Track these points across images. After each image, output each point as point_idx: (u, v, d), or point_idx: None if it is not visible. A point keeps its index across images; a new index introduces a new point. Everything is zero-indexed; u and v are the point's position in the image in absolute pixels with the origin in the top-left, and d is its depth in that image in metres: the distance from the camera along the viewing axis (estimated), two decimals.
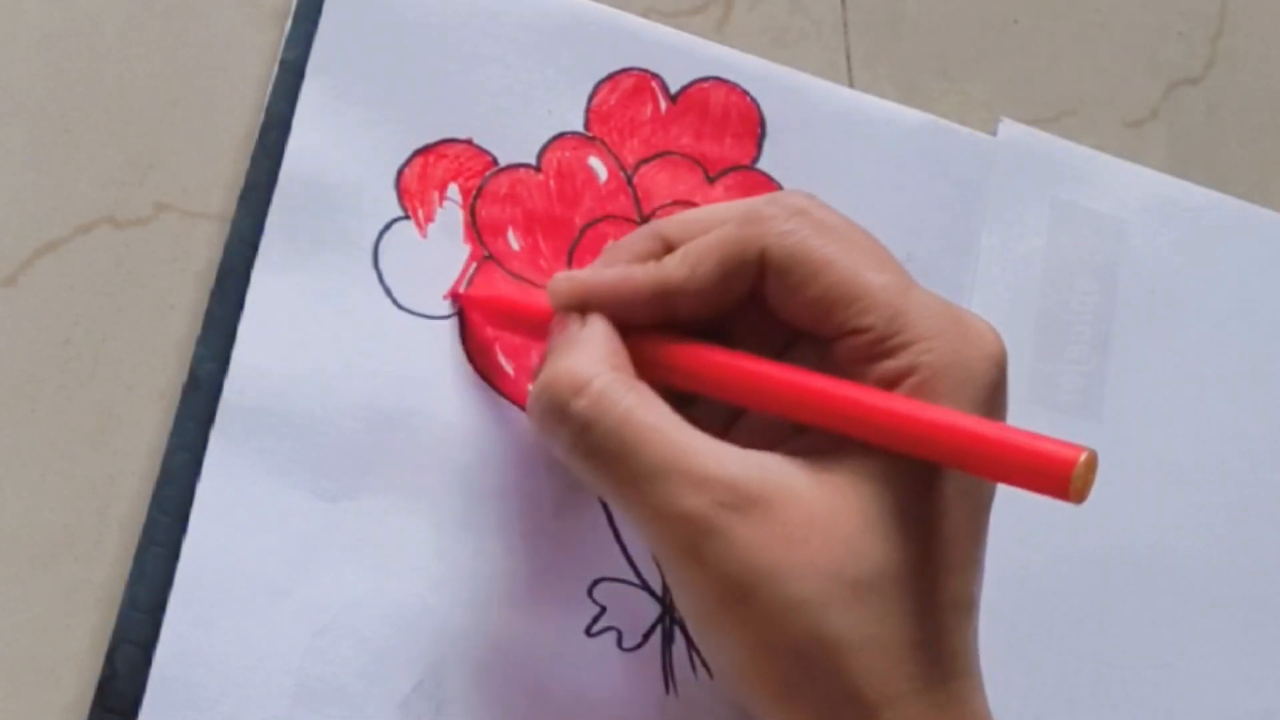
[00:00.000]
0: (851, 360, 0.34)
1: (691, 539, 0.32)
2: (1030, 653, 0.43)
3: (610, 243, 0.41)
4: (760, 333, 0.36)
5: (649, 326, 0.36)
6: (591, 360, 0.34)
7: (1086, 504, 0.46)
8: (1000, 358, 0.34)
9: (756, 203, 0.36)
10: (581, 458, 0.34)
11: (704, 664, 0.40)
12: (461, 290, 0.41)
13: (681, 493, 0.32)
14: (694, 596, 0.33)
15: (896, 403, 0.33)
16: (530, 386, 0.36)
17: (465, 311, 0.41)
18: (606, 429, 0.33)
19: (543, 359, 0.37)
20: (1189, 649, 0.44)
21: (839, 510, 0.32)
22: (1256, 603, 0.45)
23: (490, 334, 0.41)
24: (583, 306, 0.36)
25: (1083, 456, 0.30)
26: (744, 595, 0.32)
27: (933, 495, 0.33)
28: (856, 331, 0.34)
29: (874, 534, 0.32)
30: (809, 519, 0.32)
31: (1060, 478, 0.30)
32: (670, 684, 0.40)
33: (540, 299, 0.37)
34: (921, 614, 0.32)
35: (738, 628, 0.33)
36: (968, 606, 0.34)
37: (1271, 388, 0.47)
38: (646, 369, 0.35)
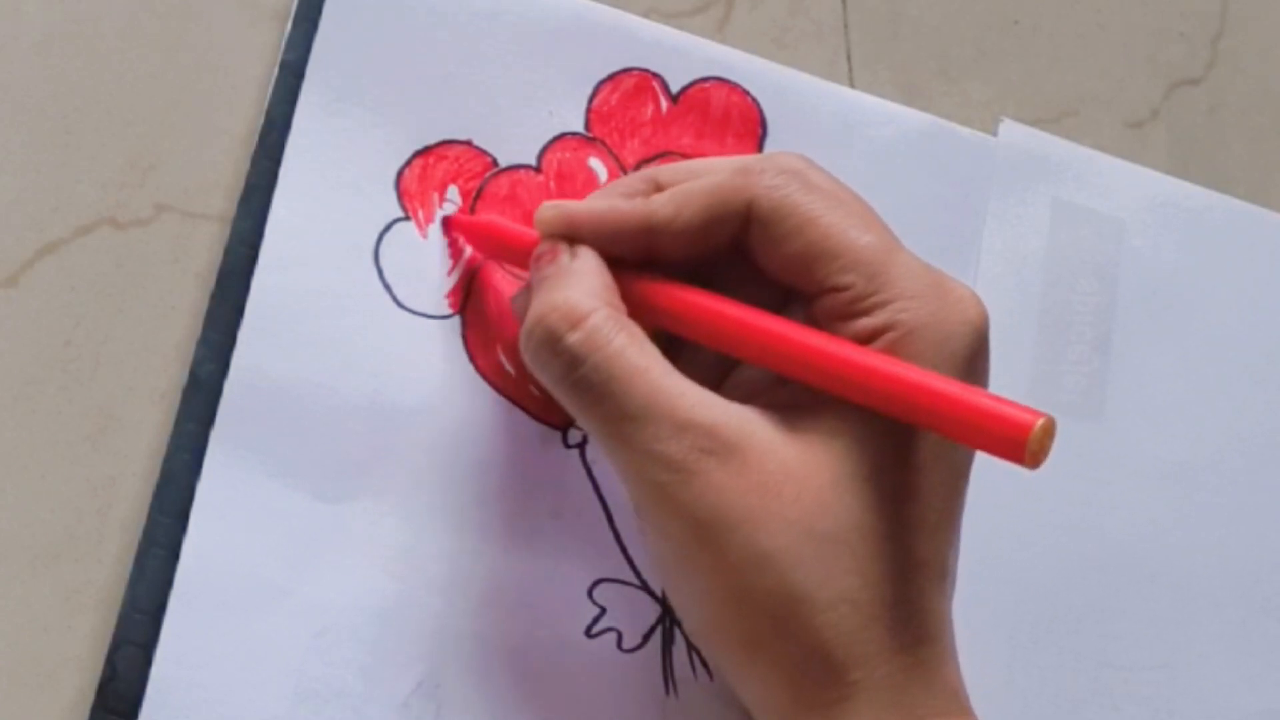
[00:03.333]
0: (831, 317, 0.34)
1: (667, 480, 0.33)
2: (1031, 653, 0.43)
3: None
4: (751, 293, 0.36)
5: (631, 264, 0.36)
6: (587, 294, 0.35)
7: (1087, 504, 0.46)
8: (979, 324, 0.34)
9: (750, 158, 0.37)
10: (568, 390, 0.34)
11: (704, 665, 0.40)
12: (464, 287, 0.41)
13: (662, 435, 0.33)
14: (666, 540, 0.34)
15: (858, 353, 0.33)
16: (514, 300, 0.36)
17: (452, 235, 0.41)
18: (595, 365, 0.33)
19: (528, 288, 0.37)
20: (1189, 649, 0.44)
21: (812, 465, 0.33)
22: (1256, 603, 0.45)
23: (492, 334, 0.41)
24: (568, 235, 0.36)
25: (1040, 422, 0.30)
26: (714, 541, 0.32)
27: (908, 456, 0.33)
28: (837, 289, 0.34)
29: (846, 490, 0.32)
30: (784, 471, 0.32)
31: (1016, 441, 0.30)
32: (670, 685, 0.40)
33: (527, 230, 0.38)
34: (893, 575, 0.32)
35: (707, 575, 0.33)
36: (941, 571, 0.34)
37: (1271, 388, 0.47)
38: (629, 307, 0.35)
